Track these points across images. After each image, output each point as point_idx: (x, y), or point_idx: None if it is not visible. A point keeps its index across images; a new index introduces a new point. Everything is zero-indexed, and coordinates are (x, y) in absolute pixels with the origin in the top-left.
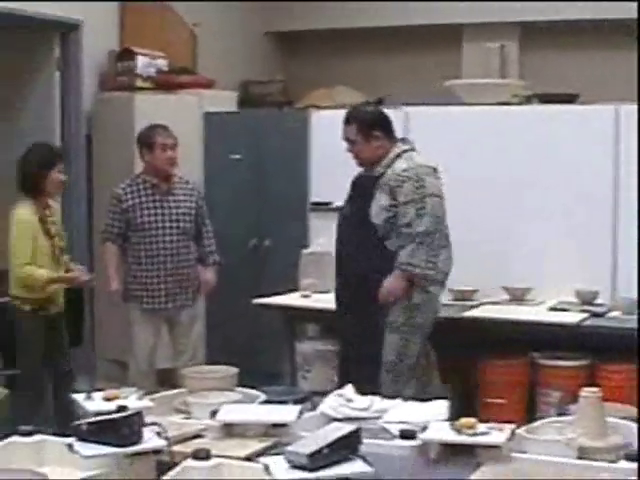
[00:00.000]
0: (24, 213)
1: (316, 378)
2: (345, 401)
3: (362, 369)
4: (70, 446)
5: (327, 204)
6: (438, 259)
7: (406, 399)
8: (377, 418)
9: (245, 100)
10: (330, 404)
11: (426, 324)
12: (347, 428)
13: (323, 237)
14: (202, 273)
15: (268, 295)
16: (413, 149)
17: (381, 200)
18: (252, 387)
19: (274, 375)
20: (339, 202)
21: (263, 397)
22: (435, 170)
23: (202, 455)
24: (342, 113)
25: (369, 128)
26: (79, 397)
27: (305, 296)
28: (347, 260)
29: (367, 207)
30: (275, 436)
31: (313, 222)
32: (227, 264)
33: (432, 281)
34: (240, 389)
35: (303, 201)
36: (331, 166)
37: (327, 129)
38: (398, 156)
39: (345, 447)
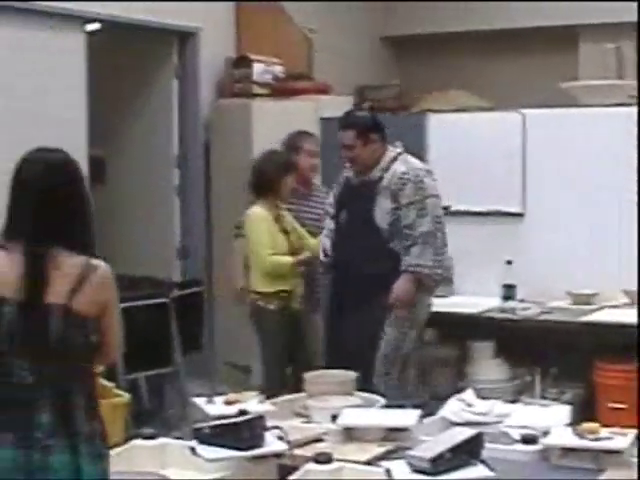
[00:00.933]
0: (261, 212)
1: (435, 383)
2: (466, 405)
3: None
4: (192, 449)
5: (446, 208)
6: (443, 257)
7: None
8: (498, 423)
9: (361, 105)
10: (451, 408)
11: (423, 319)
12: (469, 432)
13: None
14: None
15: None
16: (406, 152)
17: (384, 204)
18: (371, 392)
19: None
20: (457, 206)
21: (382, 401)
22: (429, 172)
23: (324, 459)
24: (458, 117)
25: (367, 132)
26: (200, 401)
27: None
28: (351, 264)
29: (369, 211)
30: (395, 440)
31: None
32: None
33: (438, 280)
34: (359, 393)
35: None
36: (448, 169)
37: (444, 132)
38: (394, 159)
39: (467, 452)
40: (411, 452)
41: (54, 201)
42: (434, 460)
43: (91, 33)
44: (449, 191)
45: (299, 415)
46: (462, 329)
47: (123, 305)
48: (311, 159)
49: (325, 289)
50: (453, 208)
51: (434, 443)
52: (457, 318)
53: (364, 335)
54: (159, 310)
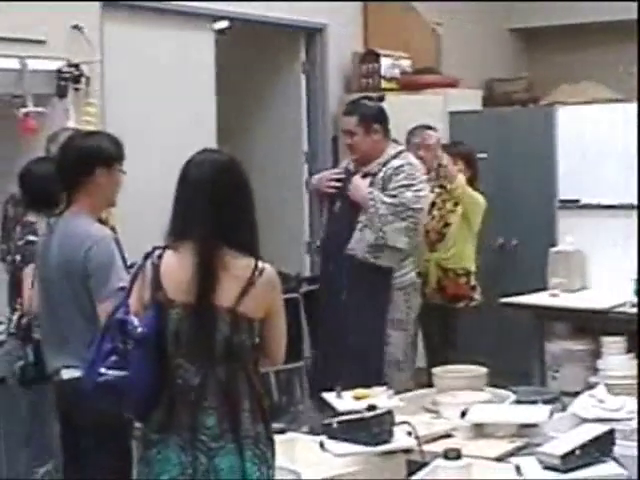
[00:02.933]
0: None
1: (566, 378)
2: (597, 402)
3: (360, 365)
4: (321, 444)
5: (575, 201)
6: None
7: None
8: (629, 419)
9: (490, 98)
10: (581, 405)
11: (415, 317)
12: (600, 429)
13: (572, 235)
14: None
15: (516, 294)
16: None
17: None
18: (502, 387)
19: (523, 375)
20: (588, 199)
21: (513, 397)
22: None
23: (453, 455)
24: (589, 109)
25: (370, 121)
26: (329, 396)
27: (554, 295)
28: (343, 256)
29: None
30: (525, 436)
31: (561, 220)
32: (475, 263)
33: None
34: (490, 389)
35: (550, 199)
36: (578, 162)
37: (573, 125)
38: (395, 156)
39: (598, 449)
40: (541, 449)
41: (223, 202)
42: (564, 457)
43: (220, 31)
44: (578, 184)
45: (428, 411)
46: (594, 324)
47: None
48: (418, 152)
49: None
50: (583, 201)
51: (564, 440)
52: (588, 313)
53: (366, 329)
54: (289, 305)
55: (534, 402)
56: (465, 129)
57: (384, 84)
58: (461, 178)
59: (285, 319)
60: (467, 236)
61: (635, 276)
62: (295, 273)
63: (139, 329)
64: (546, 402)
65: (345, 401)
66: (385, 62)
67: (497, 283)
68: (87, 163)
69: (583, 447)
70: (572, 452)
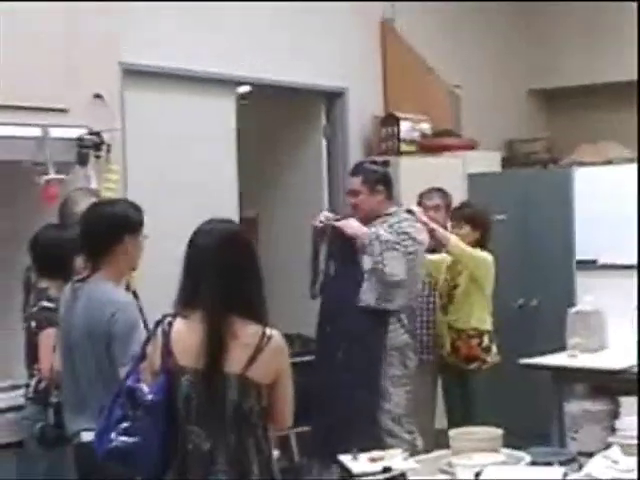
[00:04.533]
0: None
1: (585, 439)
2: (611, 463)
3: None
4: None
5: (593, 262)
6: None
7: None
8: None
9: (511, 159)
10: (596, 465)
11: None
12: None
13: (590, 295)
14: None
15: (536, 354)
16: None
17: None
18: (518, 448)
19: (542, 435)
20: (605, 259)
21: (528, 458)
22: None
23: None
24: (606, 169)
25: (374, 183)
26: (345, 458)
27: (572, 355)
28: (344, 317)
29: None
30: None
31: (580, 280)
32: (495, 324)
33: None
34: (505, 450)
35: (569, 259)
36: (596, 223)
37: (591, 185)
38: (391, 214)
39: None
40: None
41: (230, 271)
42: None
43: (241, 96)
44: (596, 244)
45: (444, 472)
46: (612, 384)
47: None
48: (428, 212)
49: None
50: (601, 261)
51: None
52: (606, 373)
53: (363, 386)
54: (308, 367)
55: (549, 463)
56: (484, 191)
57: (403, 147)
58: (454, 239)
59: (294, 382)
60: (475, 296)
61: None
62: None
63: (149, 396)
64: (562, 463)
65: (360, 463)
66: (404, 125)
67: (517, 343)
68: (116, 231)
69: None
70: None
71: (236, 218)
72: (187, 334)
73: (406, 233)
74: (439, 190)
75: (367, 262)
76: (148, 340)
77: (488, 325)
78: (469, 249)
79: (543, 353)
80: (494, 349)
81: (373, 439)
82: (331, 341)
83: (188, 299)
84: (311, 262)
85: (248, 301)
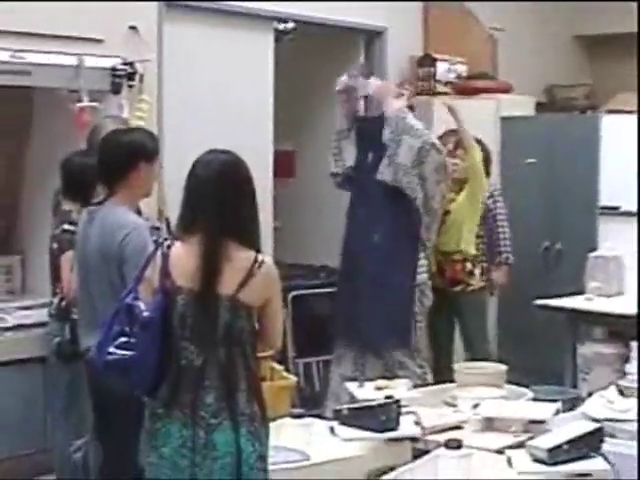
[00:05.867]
0: None
1: (596, 380)
2: (607, 402)
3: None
4: (332, 429)
5: (616, 208)
6: None
7: None
8: (636, 421)
9: (550, 104)
10: (592, 404)
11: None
12: (589, 426)
13: (611, 241)
14: (493, 271)
15: (556, 297)
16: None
17: None
18: (525, 385)
19: (557, 375)
20: (628, 206)
21: (530, 395)
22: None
23: (453, 445)
24: (633, 118)
25: None
26: (352, 385)
27: (589, 299)
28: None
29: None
30: (532, 432)
31: (602, 226)
32: (519, 265)
33: None
34: (509, 386)
35: (592, 205)
36: (621, 170)
37: (618, 133)
38: None
39: (586, 445)
40: (531, 442)
41: (228, 198)
42: (552, 450)
43: (283, 32)
44: (620, 191)
45: (448, 404)
46: (625, 328)
47: (298, 293)
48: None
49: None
50: (623, 208)
51: (555, 435)
52: (620, 317)
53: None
54: (331, 298)
55: (552, 401)
56: (516, 134)
57: (439, 88)
58: (478, 152)
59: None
60: (467, 221)
61: None
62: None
63: (145, 313)
64: (567, 401)
65: (366, 390)
66: (441, 66)
67: (540, 285)
68: (131, 158)
69: (570, 442)
70: (559, 446)
71: (270, 150)
72: (184, 257)
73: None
74: (455, 132)
75: (387, 135)
76: (148, 261)
77: (473, 250)
78: (480, 166)
79: (562, 296)
80: (477, 273)
81: (387, 364)
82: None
83: (187, 224)
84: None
85: (243, 228)
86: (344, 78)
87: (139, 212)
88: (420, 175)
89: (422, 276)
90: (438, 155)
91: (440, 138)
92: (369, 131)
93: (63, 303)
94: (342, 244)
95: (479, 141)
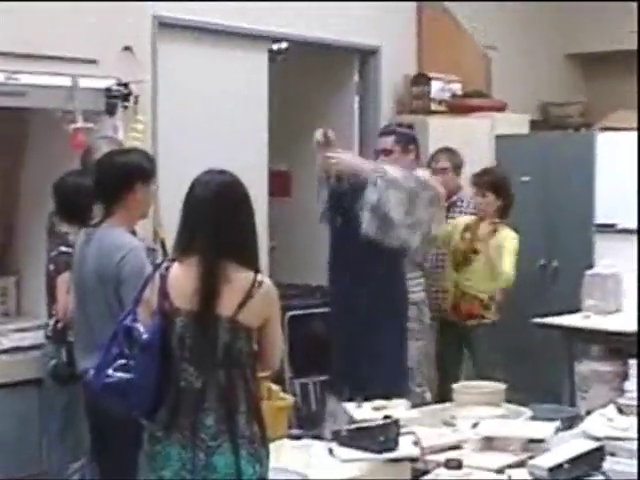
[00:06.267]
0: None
1: (594, 398)
2: (606, 420)
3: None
4: (330, 450)
5: (612, 225)
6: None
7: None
8: (637, 439)
9: (544, 122)
10: (592, 423)
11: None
12: (590, 445)
13: (608, 258)
14: None
15: (554, 315)
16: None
17: None
18: (522, 404)
19: (554, 394)
20: (625, 224)
21: (529, 414)
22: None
23: (453, 465)
24: (627, 135)
25: (406, 142)
26: (350, 406)
27: (586, 317)
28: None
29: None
30: (531, 451)
31: (598, 243)
32: (516, 283)
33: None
34: (508, 405)
35: (588, 223)
36: (617, 187)
37: (613, 150)
38: None
39: (587, 463)
40: (532, 461)
41: (226, 219)
42: (552, 470)
43: (277, 52)
44: (616, 208)
45: (447, 424)
46: (623, 346)
47: (295, 313)
48: (436, 175)
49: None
50: (619, 226)
51: (555, 453)
52: (617, 335)
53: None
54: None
55: (551, 419)
56: (511, 152)
57: (433, 106)
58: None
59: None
60: (489, 270)
61: None
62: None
63: (144, 336)
64: (564, 421)
65: (363, 411)
66: (435, 85)
67: (536, 303)
68: (128, 179)
69: (571, 461)
70: (560, 465)
71: (265, 171)
72: (183, 278)
73: (414, 177)
74: (448, 150)
75: (371, 196)
76: (146, 283)
77: (489, 295)
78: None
79: (560, 313)
80: (493, 307)
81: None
82: (349, 286)
83: (185, 245)
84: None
85: (241, 248)
86: (321, 132)
87: (134, 233)
88: (417, 219)
89: (419, 294)
90: (427, 191)
91: (432, 157)
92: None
93: (59, 325)
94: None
95: (496, 184)
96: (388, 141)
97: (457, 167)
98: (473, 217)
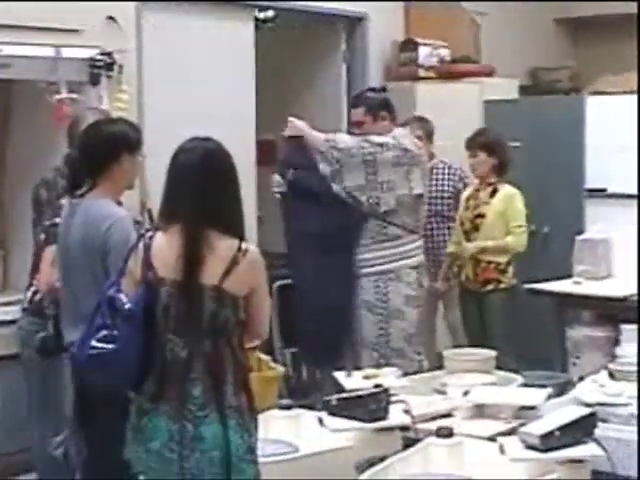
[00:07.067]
0: None
1: (586, 364)
2: (598, 386)
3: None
4: (320, 420)
5: (603, 190)
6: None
7: None
8: (627, 404)
9: (534, 87)
10: (583, 389)
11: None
12: (582, 411)
13: (598, 224)
14: None
15: (544, 281)
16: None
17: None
18: (515, 371)
19: (545, 360)
20: (614, 188)
21: (520, 380)
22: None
23: (444, 433)
24: (618, 99)
25: (377, 110)
26: (339, 375)
27: (577, 282)
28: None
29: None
30: (523, 418)
31: (589, 208)
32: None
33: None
34: (498, 372)
35: (579, 188)
36: (606, 152)
37: (603, 114)
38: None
39: (579, 430)
40: (523, 429)
41: (210, 186)
42: (544, 437)
43: (263, 20)
44: (606, 173)
45: (438, 392)
46: (614, 311)
47: (284, 282)
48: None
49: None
50: (610, 190)
51: (547, 421)
52: (608, 300)
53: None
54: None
55: (543, 386)
56: (500, 118)
57: (422, 73)
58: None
59: (268, 299)
60: (502, 227)
61: None
62: None
63: (127, 306)
64: (555, 387)
65: (353, 380)
66: (423, 51)
67: (528, 269)
68: (114, 149)
69: (562, 428)
70: (552, 432)
71: (252, 141)
72: (167, 247)
73: (366, 140)
74: (419, 119)
75: (324, 169)
76: (130, 253)
77: (507, 258)
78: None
79: (550, 279)
80: (510, 271)
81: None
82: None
83: (169, 213)
84: None
85: (226, 216)
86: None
87: (119, 204)
88: (384, 180)
89: (417, 259)
90: (389, 152)
91: (403, 125)
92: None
93: (37, 296)
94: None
95: (489, 145)
96: (358, 113)
97: (429, 135)
98: (473, 186)
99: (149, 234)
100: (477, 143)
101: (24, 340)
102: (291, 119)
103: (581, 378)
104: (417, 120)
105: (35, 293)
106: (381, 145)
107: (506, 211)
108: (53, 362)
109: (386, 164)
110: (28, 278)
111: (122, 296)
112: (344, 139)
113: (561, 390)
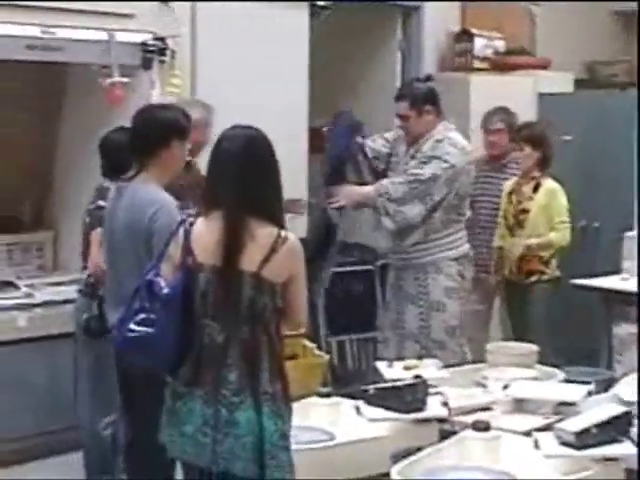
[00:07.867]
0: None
1: (630, 362)
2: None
3: None
4: (357, 409)
5: None
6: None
7: None
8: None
9: (590, 81)
10: (624, 386)
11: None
12: (618, 409)
13: None
14: None
15: (593, 276)
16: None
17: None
18: (557, 366)
19: (592, 356)
20: None
21: (561, 376)
22: (465, 151)
23: (481, 426)
24: None
25: (422, 103)
26: (381, 365)
27: (624, 279)
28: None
29: None
30: (562, 414)
31: None
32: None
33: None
34: (540, 367)
35: (630, 182)
36: None
37: None
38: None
39: (614, 428)
40: (559, 425)
41: (251, 174)
42: (579, 434)
43: (318, 7)
44: None
45: (479, 384)
46: None
47: (333, 269)
48: (488, 137)
49: None
50: None
51: (583, 418)
52: None
53: None
54: (364, 276)
55: (585, 382)
56: (554, 111)
57: (476, 64)
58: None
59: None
60: (546, 222)
61: None
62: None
63: (165, 290)
64: (599, 383)
65: (394, 370)
66: (479, 42)
67: (578, 264)
68: (164, 135)
69: (599, 426)
70: (587, 430)
71: (305, 129)
72: (207, 233)
73: (417, 179)
74: (502, 111)
75: (389, 225)
76: (171, 238)
77: (550, 252)
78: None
79: (599, 275)
80: (554, 262)
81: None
82: None
83: (210, 200)
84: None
85: (266, 204)
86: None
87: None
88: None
89: (463, 248)
90: (437, 182)
91: (485, 118)
92: None
93: (91, 279)
94: None
95: (534, 138)
96: (403, 106)
97: (512, 126)
98: (514, 178)
99: (190, 220)
100: (523, 137)
101: (77, 321)
102: (337, 191)
103: (625, 375)
104: (498, 112)
105: (89, 276)
106: (432, 179)
107: (549, 206)
108: (105, 344)
109: (439, 188)
110: (80, 260)
111: (160, 280)
112: (397, 189)
113: (605, 387)
